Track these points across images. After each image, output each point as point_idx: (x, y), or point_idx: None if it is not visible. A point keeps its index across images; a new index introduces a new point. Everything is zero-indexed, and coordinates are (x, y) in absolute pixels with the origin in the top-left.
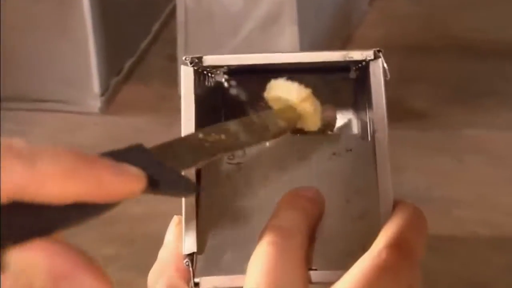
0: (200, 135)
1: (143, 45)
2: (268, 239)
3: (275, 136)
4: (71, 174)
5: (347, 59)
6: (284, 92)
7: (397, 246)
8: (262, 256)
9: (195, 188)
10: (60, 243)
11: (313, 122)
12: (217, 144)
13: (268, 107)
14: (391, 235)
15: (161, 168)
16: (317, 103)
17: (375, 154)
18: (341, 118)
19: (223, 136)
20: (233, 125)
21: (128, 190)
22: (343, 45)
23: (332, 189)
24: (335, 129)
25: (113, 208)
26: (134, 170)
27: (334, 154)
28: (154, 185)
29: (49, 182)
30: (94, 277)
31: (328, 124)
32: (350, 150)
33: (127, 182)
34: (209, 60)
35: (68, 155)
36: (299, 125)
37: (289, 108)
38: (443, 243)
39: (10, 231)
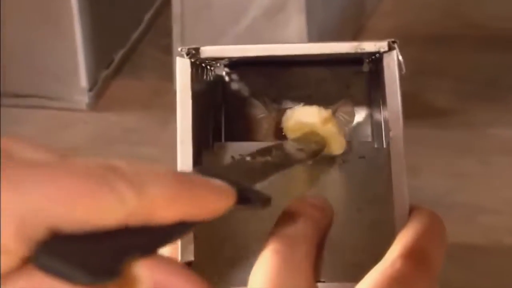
0: (248, 158)
1: (135, 35)
2: (272, 247)
3: (310, 157)
4: (176, 197)
5: (359, 51)
6: (304, 117)
7: (413, 255)
8: (265, 265)
9: (269, 201)
10: (156, 255)
11: (338, 143)
12: (267, 165)
13: (283, 137)
14: (406, 243)
15: (235, 184)
16: (339, 123)
17: (389, 156)
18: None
19: (269, 158)
20: (273, 149)
21: (223, 207)
22: (355, 36)
23: (342, 197)
24: (352, 125)
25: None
26: (226, 186)
27: (345, 161)
28: (238, 201)
29: (158, 207)
30: (192, 284)
31: (346, 121)
32: (363, 157)
33: (223, 199)
34: (208, 51)
35: (170, 176)
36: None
37: (312, 133)
38: (464, 253)
39: (123, 248)
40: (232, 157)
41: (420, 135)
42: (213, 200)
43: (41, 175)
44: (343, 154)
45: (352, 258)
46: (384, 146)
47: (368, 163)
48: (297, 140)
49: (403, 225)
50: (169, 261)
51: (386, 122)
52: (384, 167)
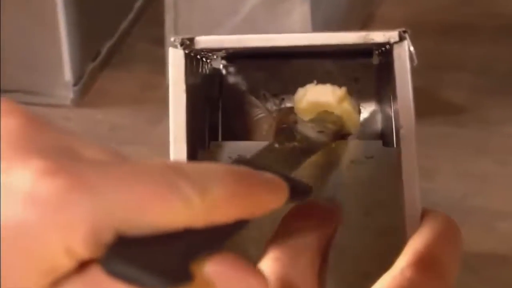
0: (276, 145)
1: (124, 25)
2: (272, 255)
3: (331, 139)
4: (237, 196)
5: (367, 41)
6: (318, 96)
7: (425, 263)
8: (265, 273)
9: (312, 190)
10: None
11: (354, 123)
12: (296, 151)
13: (294, 121)
14: (418, 250)
15: (283, 176)
16: (354, 101)
17: (399, 155)
18: (362, 113)
19: (295, 144)
20: (296, 133)
21: (280, 202)
22: (363, 25)
23: (349, 201)
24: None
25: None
26: (279, 180)
27: (352, 162)
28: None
29: (219, 206)
30: (255, 277)
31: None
32: (371, 157)
33: (279, 194)
34: (203, 41)
35: (230, 175)
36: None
37: (327, 113)
38: (482, 262)
39: (192, 248)
40: (230, 156)
41: (434, 133)
42: (270, 196)
43: (112, 177)
44: (350, 154)
45: (359, 266)
46: (395, 145)
47: (376, 164)
48: (313, 121)
49: (414, 230)
50: (234, 258)
51: (396, 119)
52: (394, 168)
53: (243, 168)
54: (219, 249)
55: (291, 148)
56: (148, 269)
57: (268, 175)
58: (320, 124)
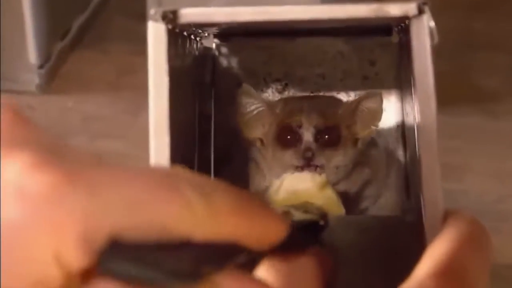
0: None
1: None
2: (272, 265)
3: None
4: (241, 211)
5: (381, 14)
6: (296, 184)
7: (448, 273)
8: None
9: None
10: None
11: (337, 210)
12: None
13: None
14: (439, 258)
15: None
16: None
17: (419, 150)
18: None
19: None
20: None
21: (279, 235)
22: None
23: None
24: (378, 126)
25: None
26: (280, 215)
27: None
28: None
29: (223, 219)
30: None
31: (370, 119)
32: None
33: (278, 225)
34: (189, 15)
35: (234, 191)
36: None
37: (308, 203)
38: None
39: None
40: None
41: (463, 125)
42: (271, 224)
43: (108, 174)
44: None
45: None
46: (416, 139)
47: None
48: (295, 206)
49: (435, 234)
50: (239, 272)
51: (416, 103)
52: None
53: (247, 191)
54: (222, 267)
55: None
56: (154, 267)
57: (271, 207)
58: (301, 208)
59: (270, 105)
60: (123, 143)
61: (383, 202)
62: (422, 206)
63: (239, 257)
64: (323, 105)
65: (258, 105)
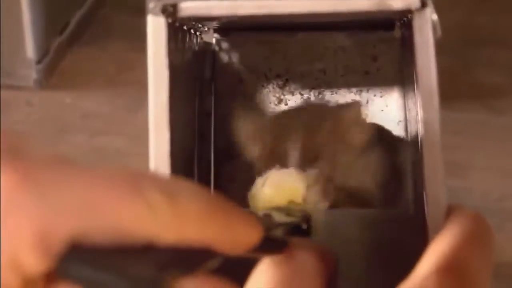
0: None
1: None
2: (273, 260)
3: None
4: (210, 215)
5: (383, 8)
6: (283, 179)
7: (450, 269)
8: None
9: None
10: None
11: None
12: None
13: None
14: (442, 254)
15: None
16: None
17: (421, 146)
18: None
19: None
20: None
21: (252, 240)
22: None
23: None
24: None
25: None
26: (254, 218)
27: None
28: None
29: (190, 222)
30: None
31: (358, 128)
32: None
33: (251, 229)
34: (189, 8)
35: (203, 192)
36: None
37: (292, 204)
38: None
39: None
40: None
41: (467, 121)
42: (243, 228)
43: (66, 175)
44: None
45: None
46: (419, 136)
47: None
48: (278, 208)
49: (437, 230)
50: (209, 277)
51: (418, 100)
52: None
53: (217, 195)
54: (191, 271)
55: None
56: (116, 272)
57: (248, 212)
58: (284, 211)
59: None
60: (122, 140)
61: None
62: (425, 203)
63: (211, 262)
64: (308, 128)
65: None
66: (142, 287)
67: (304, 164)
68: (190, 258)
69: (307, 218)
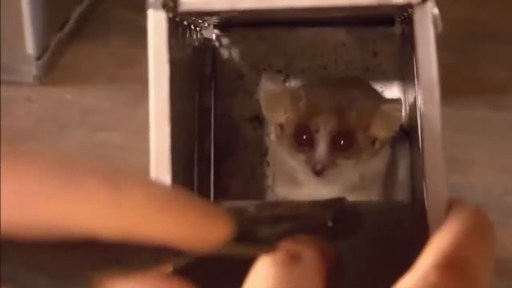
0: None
1: None
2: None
3: None
4: (163, 208)
5: (383, 3)
6: None
7: (451, 265)
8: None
9: (273, 249)
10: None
11: None
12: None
13: None
14: (443, 249)
15: (239, 216)
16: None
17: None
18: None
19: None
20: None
21: (217, 235)
22: None
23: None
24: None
25: (187, 260)
26: (225, 215)
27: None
28: (240, 237)
29: (139, 217)
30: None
31: (390, 124)
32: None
33: (217, 225)
34: (189, 2)
35: (157, 184)
36: None
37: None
38: None
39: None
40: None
41: (468, 117)
42: (209, 224)
43: None
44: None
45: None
46: (419, 131)
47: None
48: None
49: (438, 225)
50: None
51: (419, 96)
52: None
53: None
54: (135, 272)
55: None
56: (49, 271)
57: (212, 204)
58: None
59: (293, 95)
60: (122, 135)
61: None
62: (425, 198)
63: (173, 260)
64: (343, 104)
65: (281, 93)
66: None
67: (330, 147)
68: (137, 256)
69: (333, 214)
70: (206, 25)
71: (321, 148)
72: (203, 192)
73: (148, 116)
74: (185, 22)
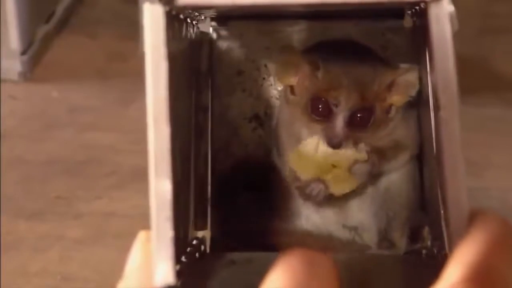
0: None
1: None
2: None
3: None
4: None
5: None
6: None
7: (479, 279)
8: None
9: None
10: None
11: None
12: None
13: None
14: (470, 261)
15: None
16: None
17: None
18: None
19: None
20: None
21: None
22: None
23: None
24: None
25: None
26: None
27: None
28: None
29: None
30: None
31: (408, 89)
32: None
33: None
34: None
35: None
36: None
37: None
38: None
39: None
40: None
41: (483, 116)
42: None
43: None
44: None
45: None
46: (433, 132)
47: None
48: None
49: (460, 235)
50: None
51: (435, 98)
52: None
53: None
54: None
55: None
56: None
57: None
58: None
59: (311, 65)
60: (113, 135)
61: (398, 179)
62: (446, 206)
63: None
64: (363, 78)
65: (299, 59)
66: None
67: (348, 123)
68: None
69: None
70: (202, 18)
71: (339, 123)
72: (201, 195)
73: (141, 114)
74: (181, 16)
